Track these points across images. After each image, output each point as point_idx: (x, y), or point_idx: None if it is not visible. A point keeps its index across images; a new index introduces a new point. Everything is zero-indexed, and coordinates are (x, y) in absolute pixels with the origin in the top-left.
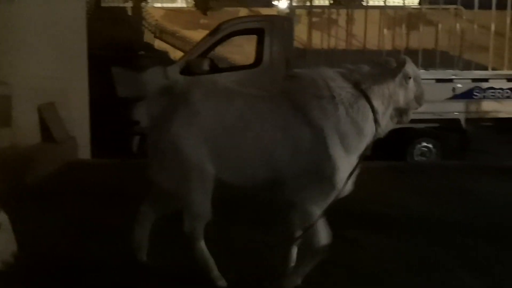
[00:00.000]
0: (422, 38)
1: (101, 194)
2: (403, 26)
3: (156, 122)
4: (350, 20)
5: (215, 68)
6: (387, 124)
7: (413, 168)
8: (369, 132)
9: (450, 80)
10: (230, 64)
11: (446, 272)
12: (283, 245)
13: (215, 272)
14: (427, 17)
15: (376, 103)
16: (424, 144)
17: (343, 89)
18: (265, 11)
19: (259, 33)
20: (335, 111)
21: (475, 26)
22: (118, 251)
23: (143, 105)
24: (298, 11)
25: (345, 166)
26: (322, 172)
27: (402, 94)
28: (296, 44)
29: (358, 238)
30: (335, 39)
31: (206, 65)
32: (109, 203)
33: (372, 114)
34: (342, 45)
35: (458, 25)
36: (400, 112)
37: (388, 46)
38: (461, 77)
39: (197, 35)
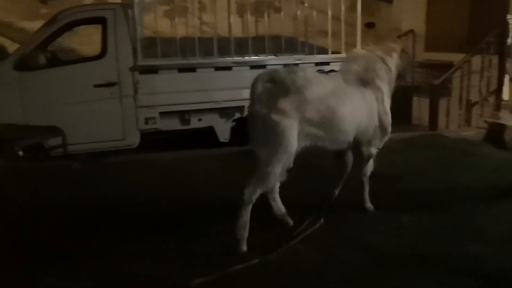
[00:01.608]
0: (269, 25)
1: None
2: (252, 13)
3: (263, 106)
4: (202, 8)
5: (55, 61)
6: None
7: None
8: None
9: (296, 65)
10: (79, 55)
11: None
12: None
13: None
14: (274, 5)
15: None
16: None
17: (380, 63)
18: None
19: (102, 22)
20: (387, 77)
21: (314, 12)
22: None
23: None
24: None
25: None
26: (383, 123)
27: (401, 64)
28: (147, 32)
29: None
30: (187, 27)
31: (43, 59)
32: None
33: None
34: (194, 33)
35: (300, 12)
36: (400, 75)
37: (238, 33)
38: (305, 61)
39: (38, 26)
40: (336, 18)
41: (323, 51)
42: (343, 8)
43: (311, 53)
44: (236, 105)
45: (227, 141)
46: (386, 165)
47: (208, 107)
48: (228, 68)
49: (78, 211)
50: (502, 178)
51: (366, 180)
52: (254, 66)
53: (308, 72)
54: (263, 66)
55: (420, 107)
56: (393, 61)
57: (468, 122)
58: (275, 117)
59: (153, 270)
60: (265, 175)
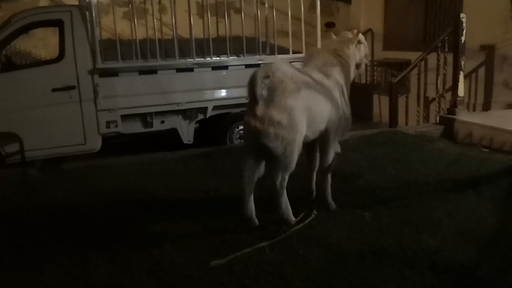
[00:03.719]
0: (230, 26)
1: None
2: (213, 14)
3: (269, 100)
4: (161, 9)
5: (10, 65)
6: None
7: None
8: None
9: (258, 65)
10: (35, 59)
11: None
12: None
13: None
14: (234, 5)
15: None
16: (241, 127)
17: (336, 57)
18: (68, 1)
19: (59, 25)
20: (342, 72)
21: (274, 12)
22: None
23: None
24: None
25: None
26: (345, 114)
27: (358, 54)
28: (106, 35)
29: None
30: (147, 29)
31: None
32: None
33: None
34: (154, 34)
35: (260, 12)
36: (357, 65)
37: (198, 34)
38: (266, 62)
39: None
40: (296, 18)
41: (284, 51)
42: (302, 8)
43: (272, 53)
44: (198, 106)
45: (191, 142)
46: (347, 162)
47: (170, 109)
48: (190, 69)
49: (36, 218)
50: (458, 172)
51: (328, 178)
52: (215, 67)
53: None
54: (225, 67)
55: (380, 104)
56: (350, 52)
57: (426, 118)
58: (289, 106)
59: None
60: (287, 164)
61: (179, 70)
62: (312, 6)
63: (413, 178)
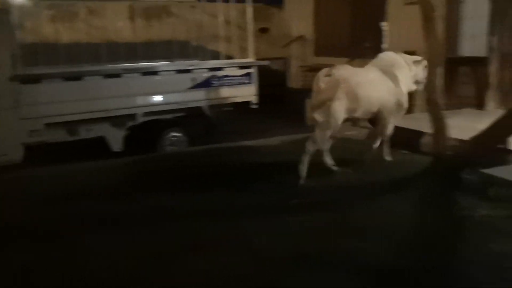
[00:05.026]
0: (161, 29)
1: None
2: (144, 17)
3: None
4: (91, 12)
5: None
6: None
7: (165, 158)
8: None
9: (189, 71)
10: None
11: (172, 255)
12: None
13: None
14: (166, 9)
15: None
16: (173, 134)
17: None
18: None
19: None
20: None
21: (206, 17)
22: None
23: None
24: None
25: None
26: (399, 101)
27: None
28: (30, 38)
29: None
30: (76, 32)
31: None
32: None
33: None
34: (82, 38)
35: (193, 16)
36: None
37: (129, 38)
38: (198, 67)
39: None
40: (229, 23)
41: (218, 55)
42: (234, 13)
43: (204, 58)
44: (128, 113)
45: (120, 150)
46: (277, 167)
47: (97, 116)
48: (118, 75)
49: None
50: (382, 174)
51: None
52: (145, 72)
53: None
54: (155, 73)
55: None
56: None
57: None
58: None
59: None
60: (324, 134)
61: (107, 75)
62: (246, 11)
63: (338, 181)
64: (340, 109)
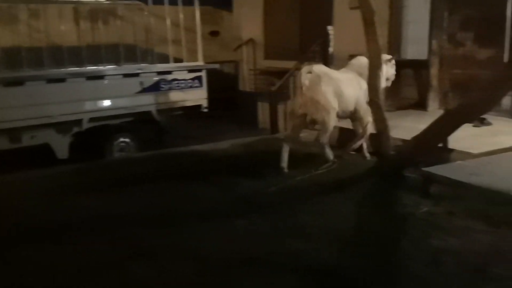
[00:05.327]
0: (109, 34)
1: None
2: (89, 20)
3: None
4: (32, 15)
5: None
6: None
7: (112, 164)
8: None
9: (137, 75)
10: None
11: (115, 264)
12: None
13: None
14: (112, 12)
15: None
16: (122, 139)
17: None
18: None
19: None
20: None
21: (154, 20)
22: None
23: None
24: None
25: None
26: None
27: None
28: None
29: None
30: (17, 36)
31: None
32: None
33: None
34: (24, 42)
35: (142, 20)
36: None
37: (74, 41)
38: (147, 71)
39: None
40: (179, 26)
41: (167, 59)
42: (181, 16)
43: (153, 62)
44: (73, 119)
45: (66, 157)
46: (226, 170)
47: (41, 123)
48: (62, 80)
49: None
50: (326, 174)
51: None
52: (91, 77)
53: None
54: (101, 77)
55: (264, 112)
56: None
57: None
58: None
59: None
60: (328, 127)
61: (50, 80)
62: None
63: (286, 183)
64: (332, 99)
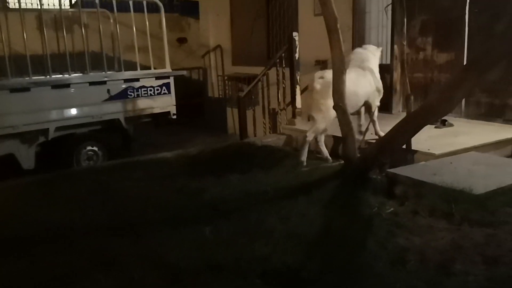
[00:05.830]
0: (74, 42)
1: None
2: (53, 28)
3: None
4: None
5: None
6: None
7: (81, 173)
8: None
9: (104, 82)
10: None
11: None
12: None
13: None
14: (77, 21)
15: None
16: (89, 148)
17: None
18: None
19: None
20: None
21: (118, 27)
22: None
23: None
24: None
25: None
26: (377, 87)
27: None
28: None
29: None
30: None
31: None
32: None
33: None
34: None
35: (107, 28)
36: None
37: (38, 50)
38: (113, 79)
39: None
40: (146, 33)
41: (134, 66)
42: (147, 23)
43: (120, 69)
44: (38, 128)
45: (32, 168)
46: (194, 178)
47: (4, 133)
48: (27, 89)
49: None
50: (293, 178)
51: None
52: (56, 85)
53: None
54: (67, 85)
55: (233, 117)
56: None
57: (273, 129)
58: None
59: None
60: (318, 127)
61: (13, 90)
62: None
63: (254, 188)
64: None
